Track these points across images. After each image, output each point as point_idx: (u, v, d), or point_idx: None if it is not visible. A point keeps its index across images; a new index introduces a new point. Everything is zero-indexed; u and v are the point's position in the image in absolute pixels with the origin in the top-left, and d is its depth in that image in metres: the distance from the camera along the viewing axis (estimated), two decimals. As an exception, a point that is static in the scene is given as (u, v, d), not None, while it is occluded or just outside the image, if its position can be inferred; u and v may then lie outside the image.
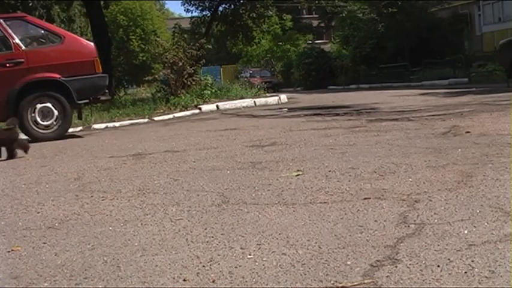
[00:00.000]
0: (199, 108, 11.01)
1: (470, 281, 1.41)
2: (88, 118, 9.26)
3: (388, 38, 24.74)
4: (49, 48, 7.48)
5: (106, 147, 5.59)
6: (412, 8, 24.17)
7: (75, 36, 8.46)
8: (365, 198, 2.39)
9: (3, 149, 4.97)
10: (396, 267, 1.55)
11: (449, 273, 1.46)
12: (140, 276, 1.63)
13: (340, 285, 1.46)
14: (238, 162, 3.78)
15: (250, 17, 26.69)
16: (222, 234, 2.02)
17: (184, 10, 64.62)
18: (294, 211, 2.28)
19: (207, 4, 27.47)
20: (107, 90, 8.02)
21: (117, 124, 9.07)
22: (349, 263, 1.61)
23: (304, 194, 2.57)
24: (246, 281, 1.53)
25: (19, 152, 4.98)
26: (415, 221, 2.00)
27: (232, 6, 26.95)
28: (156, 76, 14.46)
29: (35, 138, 6.93)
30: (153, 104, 11.50)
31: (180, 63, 12.04)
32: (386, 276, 1.48)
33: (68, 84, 7.15)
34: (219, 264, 1.69)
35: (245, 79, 21.76)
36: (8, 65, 7.03)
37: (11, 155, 4.92)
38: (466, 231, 1.82)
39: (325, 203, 2.38)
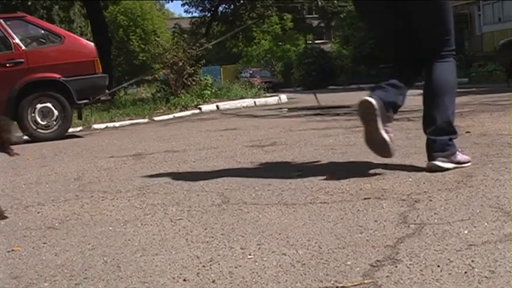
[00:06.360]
0: (200, 108, 11.02)
1: (470, 281, 1.40)
2: (88, 118, 9.26)
3: (388, 38, 24.71)
4: (49, 48, 7.49)
5: (106, 147, 5.59)
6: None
7: (75, 36, 8.47)
8: (365, 198, 2.39)
9: None
10: (396, 267, 1.54)
11: (449, 273, 1.46)
12: (140, 276, 1.63)
13: (340, 285, 1.46)
14: (238, 162, 3.78)
15: (250, 17, 26.73)
16: (222, 234, 2.02)
17: (185, 11, 64.57)
18: (294, 211, 2.28)
19: (207, 5, 27.52)
20: (107, 90, 8.03)
21: (117, 124, 9.07)
22: (349, 263, 1.61)
23: (304, 194, 2.57)
24: (246, 281, 1.53)
25: (20, 152, 4.97)
26: (415, 221, 1.99)
27: (232, 6, 26.99)
28: (156, 76, 14.49)
29: (35, 138, 6.93)
30: (153, 104, 11.51)
31: (180, 63, 12.05)
32: (386, 276, 1.48)
33: (68, 84, 7.16)
34: (219, 264, 1.69)
35: (245, 79, 21.78)
36: (8, 65, 7.04)
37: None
38: (466, 231, 1.82)
39: (325, 203, 2.38)
